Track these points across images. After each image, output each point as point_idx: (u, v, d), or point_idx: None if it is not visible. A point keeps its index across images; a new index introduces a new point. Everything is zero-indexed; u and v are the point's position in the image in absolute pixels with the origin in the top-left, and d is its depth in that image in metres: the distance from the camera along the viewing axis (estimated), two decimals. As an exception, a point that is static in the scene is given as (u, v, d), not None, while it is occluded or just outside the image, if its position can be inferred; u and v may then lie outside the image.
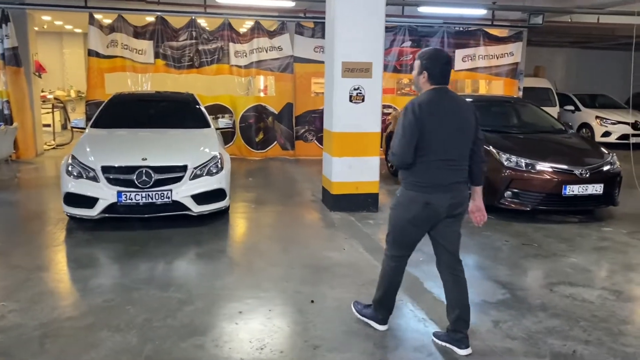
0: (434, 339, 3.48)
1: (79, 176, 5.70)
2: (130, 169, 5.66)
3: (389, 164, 9.13)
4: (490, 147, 6.75)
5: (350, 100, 6.58)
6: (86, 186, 5.64)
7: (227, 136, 10.42)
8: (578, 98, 14.85)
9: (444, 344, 3.40)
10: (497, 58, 11.76)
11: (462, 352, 3.32)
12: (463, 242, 5.64)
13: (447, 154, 3.17)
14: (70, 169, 5.76)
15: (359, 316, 3.70)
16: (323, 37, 10.76)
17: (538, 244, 5.63)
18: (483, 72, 11.79)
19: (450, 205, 3.24)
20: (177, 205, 5.75)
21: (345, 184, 6.74)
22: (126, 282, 4.38)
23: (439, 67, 3.21)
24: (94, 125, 6.86)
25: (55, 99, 13.34)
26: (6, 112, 10.10)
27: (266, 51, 10.82)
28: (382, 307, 3.58)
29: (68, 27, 14.87)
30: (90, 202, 5.61)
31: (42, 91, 14.66)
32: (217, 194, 6.01)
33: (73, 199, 5.69)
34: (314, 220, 6.56)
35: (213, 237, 5.64)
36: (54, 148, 11.60)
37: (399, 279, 3.51)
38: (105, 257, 5.06)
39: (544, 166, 6.40)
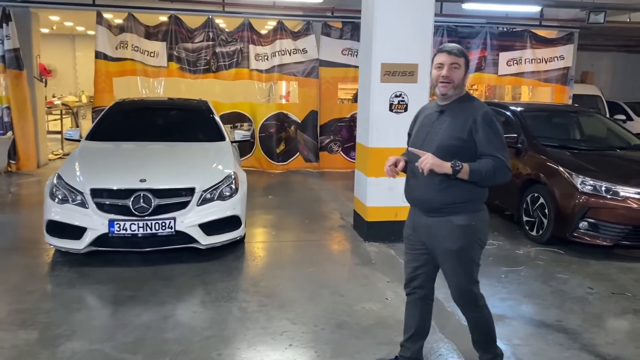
0: None
1: (64, 200, 4.72)
2: (126, 193, 4.66)
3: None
4: (559, 166, 5.60)
5: (391, 110, 5.51)
6: (72, 213, 4.65)
7: (245, 147, 9.43)
8: (629, 106, 13.52)
9: None
10: (546, 62, 10.56)
11: None
12: (534, 290, 4.54)
13: None
14: (54, 191, 4.78)
15: None
16: (352, 38, 9.78)
17: (632, 294, 4.46)
18: (530, 78, 10.59)
19: None
20: (182, 236, 4.73)
21: (382, 210, 5.65)
22: (107, 348, 3.35)
23: None
24: (90, 137, 5.89)
25: (62, 104, 12.50)
26: (6, 119, 9.23)
27: (289, 54, 9.80)
28: (495, 347, 3.01)
29: (80, 28, 14.05)
30: (77, 232, 4.62)
31: (53, 96, 13.93)
32: (230, 222, 4.98)
33: (57, 228, 4.70)
34: (346, 255, 5.48)
35: (224, 277, 4.59)
36: (60, 157, 10.71)
37: None
38: (88, 308, 4.04)
39: (629, 192, 5.22)
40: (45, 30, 12.99)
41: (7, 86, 9.17)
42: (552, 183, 5.60)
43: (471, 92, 14.34)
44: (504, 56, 10.37)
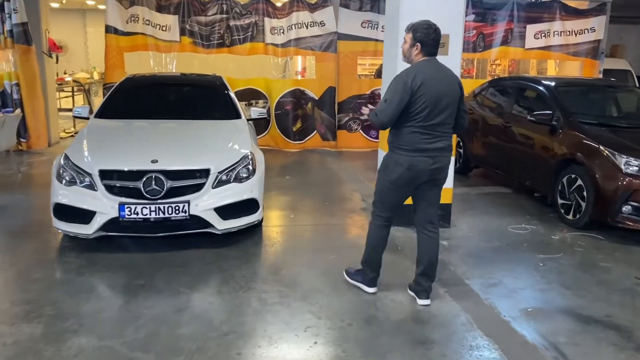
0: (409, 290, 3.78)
1: (72, 182, 4.44)
2: (137, 175, 4.36)
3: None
4: (600, 146, 5.20)
5: (418, 85, 5.12)
6: (80, 196, 4.37)
7: (260, 125, 9.08)
8: (661, 81, 12.89)
9: (410, 292, 3.75)
10: (576, 35, 9.98)
11: (421, 302, 3.65)
12: (576, 280, 4.19)
13: (432, 121, 3.36)
14: (61, 172, 4.51)
15: (349, 280, 3.89)
16: (372, 10, 9.30)
17: (684, 285, 4.11)
18: (558, 51, 10.02)
19: (431, 170, 3.44)
20: (197, 221, 4.44)
21: (408, 192, 5.30)
22: (117, 345, 3.09)
23: (431, 39, 3.41)
24: (99, 115, 5.59)
25: (74, 81, 12.22)
26: (15, 96, 8.97)
27: (306, 27, 9.36)
28: (369, 267, 3.77)
29: (90, 2, 13.72)
30: (86, 216, 4.35)
31: (64, 72, 13.66)
32: (247, 206, 4.68)
33: (64, 212, 4.43)
34: (370, 239, 5.16)
35: (241, 265, 4.31)
36: (72, 135, 10.47)
37: (385, 238, 3.73)
38: (98, 298, 3.78)
39: (677, 174, 4.82)
40: (55, 5, 12.68)
41: (15, 62, 8.89)
42: (591, 163, 5.21)
43: (493, 67, 13.79)
44: (531, 28, 9.82)
